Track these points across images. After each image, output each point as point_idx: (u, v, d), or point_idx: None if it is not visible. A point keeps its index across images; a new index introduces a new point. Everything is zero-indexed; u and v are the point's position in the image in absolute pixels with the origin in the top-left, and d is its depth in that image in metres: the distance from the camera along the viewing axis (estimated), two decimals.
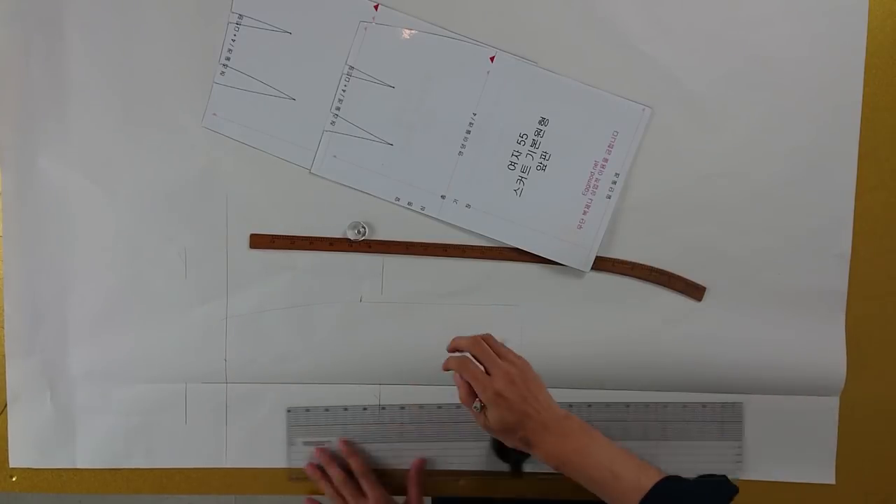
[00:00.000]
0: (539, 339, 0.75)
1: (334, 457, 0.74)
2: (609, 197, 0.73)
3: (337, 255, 0.74)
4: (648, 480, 0.54)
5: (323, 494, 0.74)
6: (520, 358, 0.62)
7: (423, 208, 0.73)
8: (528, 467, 0.74)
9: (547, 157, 0.73)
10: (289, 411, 0.75)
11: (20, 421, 0.75)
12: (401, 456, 0.76)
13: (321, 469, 0.74)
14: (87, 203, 0.73)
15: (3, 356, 0.75)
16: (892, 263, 0.75)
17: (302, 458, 0.75)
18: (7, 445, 0.76)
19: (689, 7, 0.71)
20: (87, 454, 0.76)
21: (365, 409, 0.75)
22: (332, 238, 0.74)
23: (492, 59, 0.72)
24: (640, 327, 0.75)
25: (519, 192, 0.73)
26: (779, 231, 0.74)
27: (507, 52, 0.72)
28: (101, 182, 0.73)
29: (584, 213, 0.73)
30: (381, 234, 0.74)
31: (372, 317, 0.74)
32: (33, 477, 0.76)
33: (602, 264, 0.74)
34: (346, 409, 0.75)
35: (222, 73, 0.72)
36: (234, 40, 0.72)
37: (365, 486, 0.72)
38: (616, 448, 0.57)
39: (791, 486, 0.77)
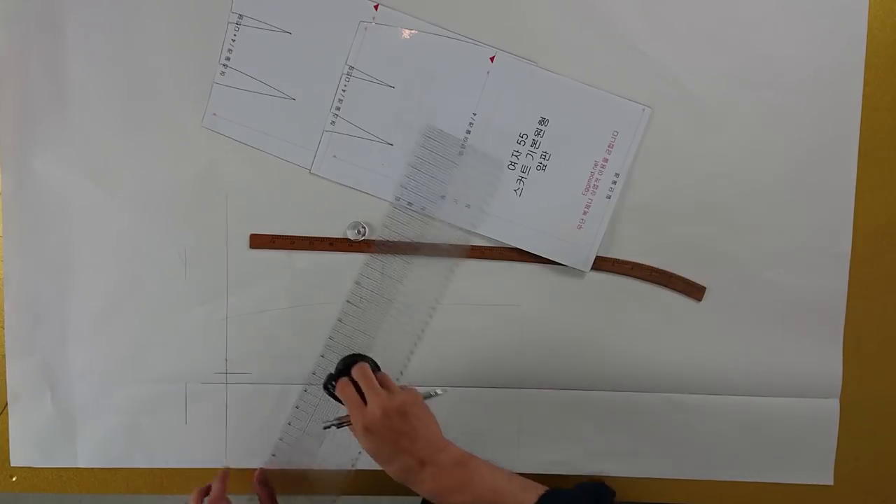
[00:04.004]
0: (539, 339, 0.75)
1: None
2: (609, 197, 0.73)
3: (337, 255, 0.74)
4: (529, 499, 0.54)
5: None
6: (407, 391, 0.60)
7: (423, 208, 0.73)
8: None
9: (547, 157, 0.73)
10: None
11: (20, 421, 0.75)
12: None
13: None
14: (87, 203, 0.73)
15: (4, 356, 0.75)
16: (892, 263, 0.75)
17: None
18: (8, 445, 0.76)
19: (689, 7, 0.71)
20: (87, 454, 0.76)
21: None
22: (332, 238, 0.74)
23: (492, 59, 0.72)
24: (640, 327, 0.75)
25: (519, 192, 0.73)
26: (779, 231, 0.74)
27: (507, 52, 0.72)
28: (101, 182, 0.73)
29: (584, 213, 0.73)
30: (381, 234, 0.74)
31: (371, 317, 0.74)
32: (33, 477, 0.76)
33: (602, 264, 0.74)
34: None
35: (222, 73, 0.72)
36: (234, 40, 0.72)
37: None
38: (498, 475, 0.57)
39: (789, 488, 0.77)
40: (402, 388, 0.62)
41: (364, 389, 0.60)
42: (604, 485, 0.57)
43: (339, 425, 0.62)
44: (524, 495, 0.55)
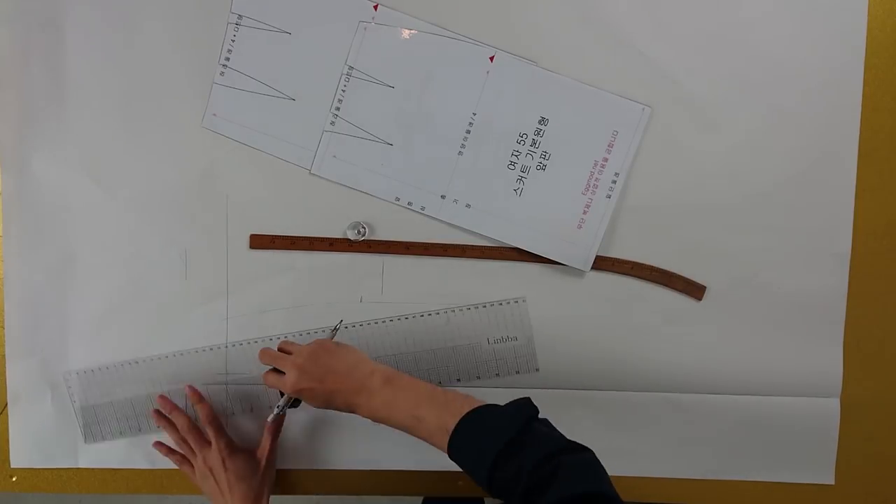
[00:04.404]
0: (539, 339, 0.75)
1: (177, 405, 0.74)
2: (609, 197, 0.73)
3: (337, 255, 0.74)
4: (452, 419, 0.55)
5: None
6: (310, 344, 0.64)
7: (423, 208, 0.73)
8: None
9: (547, 157, 0.73)
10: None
11: (21, 421, 0.75)
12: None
13: (166, 417, 0.74)
14: (87, 203, 0.73)
15: (4, 356, 0.75)
16: (892, 263, 0.75)
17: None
18: (8, 445, 0.76)
19: (689, 7, 0.71)
20: (88, 454, 0.76)
21: None
22: (332, 238, 0.74)
23: (491, 59, 0.72)
24: (640, 327, 0.75)
25: (519, 192, 0.73)
26: (778, 231, 0.74)
27: (506, 51, 0.72)
28: (101, 182, 0.73)
29: (584, 212, 0.73)
30: (381, 234, 0.74)
31: (372, 317, 0.74)
32: (33, 477, 0.76)
33: (602, 264, 0.74)
34: None
35: (222, 73, 0.72)
36: (233, 40, 0.72)
37: (209, 433, 0.71)
38: (420, 391, 0.59)
39: (790, 487, 0.77)
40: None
41: (276, 364, 0.64)
42: (529, 401, 0.57)
43: (284, 407, 0.67)
44: (446, 414, 0.56)
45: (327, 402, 0.62)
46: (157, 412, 0.74)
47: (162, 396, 0.74)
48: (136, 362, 0.74)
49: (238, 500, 0.68)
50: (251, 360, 0.75)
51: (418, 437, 0.58)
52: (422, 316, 0.74)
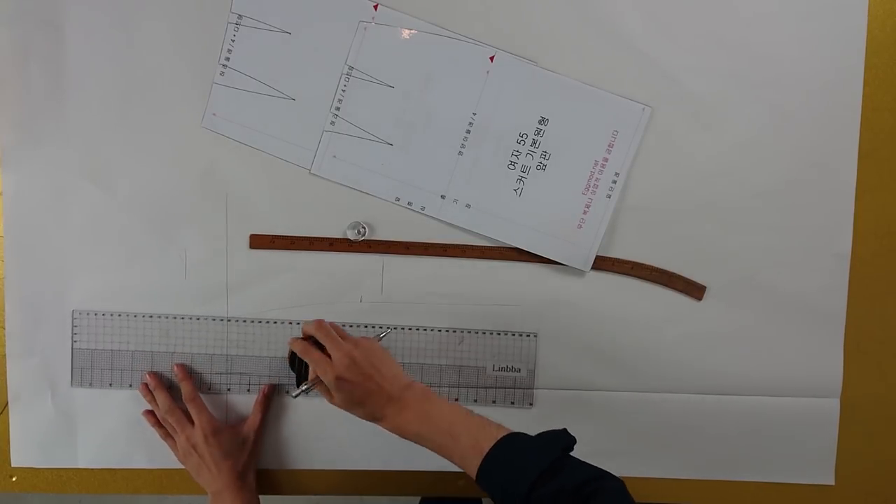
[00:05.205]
0: (539, 340, 0.75)
1: (163, 383, 0.74)
2: (609, 196, 0.73)
3: (337, 255, 0.74)
4: (487, 441, 0.56)
5: None
6: (364, 337, 0.65)
7: (423, 208, 0.73)
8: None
9: (547, 157, 0.73)
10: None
11: (21, 421, 0.75)
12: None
13: (152, 393, 0.74)
14: (86, 203, 0.73)
15: (4, 356, 0.75)
16: (892, 263, 0.75)
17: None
18: (8, 445, 0.76)
19: (689, 7, 0.72)
20: (88, 454, 0.76)
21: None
22: (332, 238, 0.74)
23: (491, 58, 0.72)
24: (641, 327, 0.75)
25: (519, 191, 0.73)
26: (779, 231, 0.74)
27: (506, 51, 0.72)
28: (101, 182, 0.73)
29: (584, 212, 0.73)
30: (381, 234, 0.74)
31: (372, 317, 0.74)
32: (33, 477, 0.76)
33: (602, 264, 0.74)
34: None
35: (222, 73, 0.72)
36: (233, 40, 0.72)
37: (192, 411, 0.72)
38: (457, 411, 0.60)
39: (790, 488, 0.77)
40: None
41: (327, 343, 0.63)
42: (566, 432, 0.58)
43: (308, 390, 0.65)
44: (481, 436, 0.56)
45: (360, 401, 0.61)
46: (145, 386, 0.74)
47: (150, 373, 0.74)
48: (152, 316, 0.74)
49: (226, 475, 0.69)
50: (251, 360, 0.75)
51: (447, 454, 0.58)
52: (438, 331, 0.75)
